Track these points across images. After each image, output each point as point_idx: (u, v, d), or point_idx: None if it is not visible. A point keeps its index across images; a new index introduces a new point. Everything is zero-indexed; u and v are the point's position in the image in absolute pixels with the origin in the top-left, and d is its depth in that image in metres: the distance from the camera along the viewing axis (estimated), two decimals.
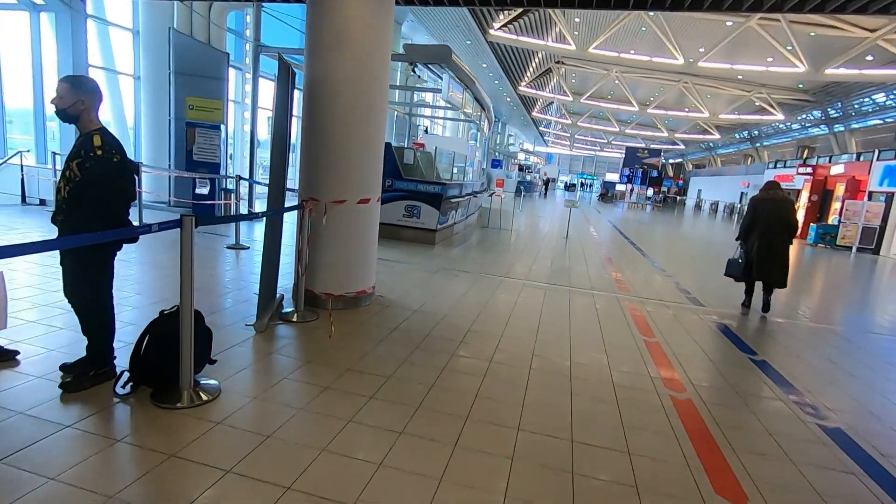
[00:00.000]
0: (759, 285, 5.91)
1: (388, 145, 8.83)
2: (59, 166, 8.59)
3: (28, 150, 8.74)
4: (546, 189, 41.67)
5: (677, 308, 5.82)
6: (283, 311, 4.23)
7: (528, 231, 12.69)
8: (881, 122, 25.42)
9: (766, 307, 5.79)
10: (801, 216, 19.25)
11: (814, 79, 20.61)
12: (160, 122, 9.55)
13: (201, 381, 2.75)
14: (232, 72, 11.24)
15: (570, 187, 63.77)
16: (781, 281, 5.63)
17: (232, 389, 2.79)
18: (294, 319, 4.06)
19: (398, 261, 6.90)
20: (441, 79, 9.08)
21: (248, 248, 6.96)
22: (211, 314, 3.97)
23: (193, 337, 2.58)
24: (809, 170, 19.68)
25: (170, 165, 9.55)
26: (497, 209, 14.50)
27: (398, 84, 16.95)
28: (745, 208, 6.03)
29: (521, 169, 41.11)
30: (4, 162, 8.46)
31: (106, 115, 10.36)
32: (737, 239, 5.94)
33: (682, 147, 52.01)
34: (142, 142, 9.90)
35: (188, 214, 2.49)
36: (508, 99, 32.12)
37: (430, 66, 8.22)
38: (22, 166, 8.56)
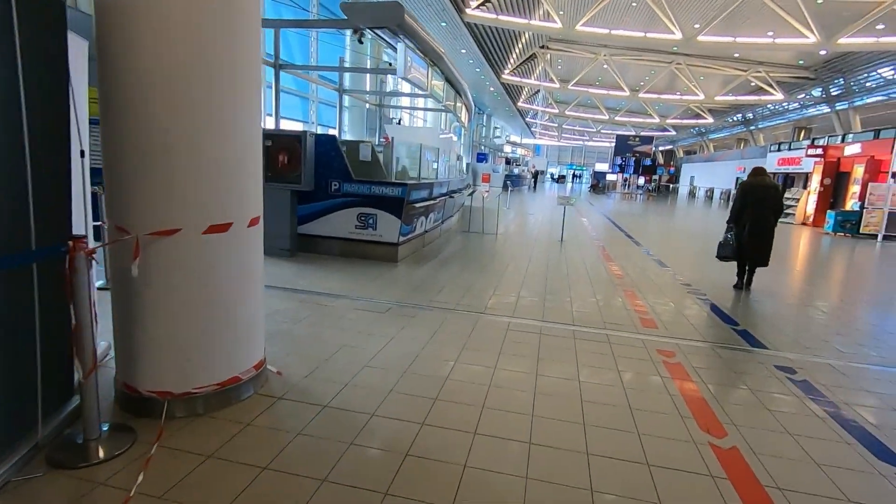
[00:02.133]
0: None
1: (333, 138, 6.97)
2: None
3: None
4: (535, 182, 39.90)
5: (731, 355, 4.03)
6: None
7: (517, 234, 10.86)
8: (885, 97, 23.87)
9: (748, 285, 6.29)
10: (812, 202, 17.60)
11: (825, 49, 18.89)
12: None
13: None
14: None
15: (559, 179, 62.11)
16: (765, 261, 6.17)
17: None
18: (90, 458, 2.18)
19: (337, 294, 5.02)
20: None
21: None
22: None
23: None
24: (820, 151, 18.06)
25: None
26: (481, 208, 12.67)
27: (368, 68, 15.05)
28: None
29: (508, 162, 39.30)
30: None
31: None
32: (728, 222, 6.28)
33: (673, 133, 50.47)
34: None
35: None
36: (492, 89, 30.22)
37: (376, 31, 6.30)
38: None
